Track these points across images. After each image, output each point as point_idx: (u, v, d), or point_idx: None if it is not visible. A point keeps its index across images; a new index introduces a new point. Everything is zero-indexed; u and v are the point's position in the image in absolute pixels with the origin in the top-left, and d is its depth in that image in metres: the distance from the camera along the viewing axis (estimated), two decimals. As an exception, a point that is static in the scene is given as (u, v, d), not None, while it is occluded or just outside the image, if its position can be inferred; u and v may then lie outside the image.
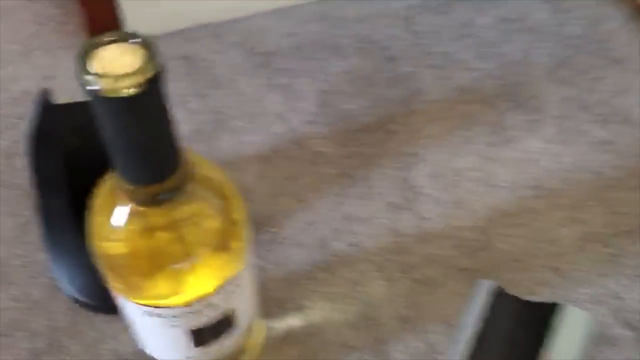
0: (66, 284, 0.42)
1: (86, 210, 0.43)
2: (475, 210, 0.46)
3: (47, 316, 0.42)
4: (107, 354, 0.40)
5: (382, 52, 0.55)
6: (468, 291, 0.42)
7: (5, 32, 0.55)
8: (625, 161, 0.48)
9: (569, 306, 0.36)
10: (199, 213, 0.28)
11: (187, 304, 0.30)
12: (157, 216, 0.27)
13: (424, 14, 0.57)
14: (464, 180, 0.47)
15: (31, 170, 0.42)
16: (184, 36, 0.55)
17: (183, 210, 0.27)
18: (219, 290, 0.30)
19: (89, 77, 0.22)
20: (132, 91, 0.22)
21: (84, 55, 0.22)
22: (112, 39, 0.23)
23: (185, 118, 0.50)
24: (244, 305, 0.33)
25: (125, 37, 0.23)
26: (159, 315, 0.30)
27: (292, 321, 0.42)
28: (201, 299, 0.30)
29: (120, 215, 0.28)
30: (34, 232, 0.44)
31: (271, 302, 0.42)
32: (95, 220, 0.29)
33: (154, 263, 0.29)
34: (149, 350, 0.35)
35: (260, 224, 0.45)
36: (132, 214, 0.28)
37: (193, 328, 0.31)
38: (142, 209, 0.27)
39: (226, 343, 0.34)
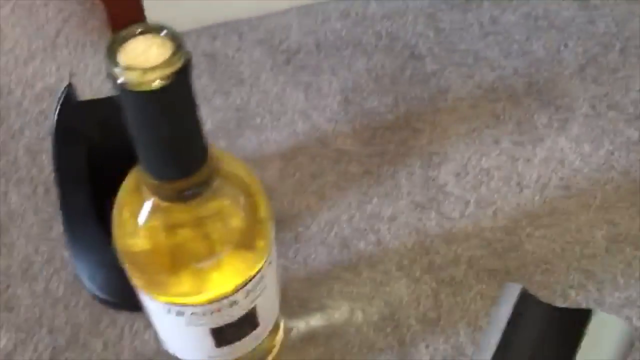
0: (87, 280, 0.42)
1: (108, 207, 0.43)
2: (502, 210, 0.45)
3: (69, 313, 0.42)
4: (128, 352, 0.40)
5: (407, 50, 0.54)
6: (495, 293, 0.41)
7: (29, 29, 0.55)
8: (657, 161, 0.47)
9: (602, 313, 0.35)
10: (224, 210, 0.28)
11: (210, 302, 0.29)
12: (181, 212, 0.27)
13: (448, 11, 0.56)
14: (490, 179, 0.46)
15: (54, 166, 0.42)
16: (207, 33, 0.55)
17: (208, 206, 0.27)
18: (242, 289, 0.30)
19: (116, 70, 0.22)
20: (159, 84, 0.22)
21: (112, 47, 0.22)
22: (140, 31, 0.22)
23: (208, 115, 0.50)
24: (266, 305, 0.33)
25: (153, 30, 0.22)
26: (181, 314, 0.30)
27: (314, 321, 0.41)
28: (224, 298, 0.29)
29: (145, 211, 0.27)
30: (57, 229, 0.44)
31: (293, 302, 0.41)
32: (119, 216, 0.29)
33: (178, 260, 0.28)
34: (171, 349, 0.35)
35: (283, 222, 0.44)
36: (157, 210, 0.27)
37: (215, 327, 0.31)
38: (166, 204, 0.27)
39: (248, 343, 0.34)
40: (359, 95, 0.51)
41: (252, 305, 0.31)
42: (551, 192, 0.45)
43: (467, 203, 0.45)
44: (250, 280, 0.29)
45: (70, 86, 0.42)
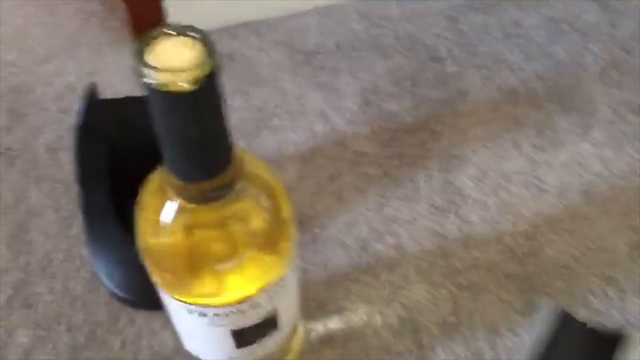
0: (106, 278, 0.42)
1: (128, 206, 0.43)
2: (522, 214, 0.44)
3: (88, 311, 0.42)
4: (146, 350, 0.40)
5: (427, 52, 0.54)
6: (514, 298, 0.41)
7: (50, 27, 0.55)
8: (681, 168, 0.46)
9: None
10: (248, 212, 0.28)
11: (232, 304, 0.29)
12: (205, 213, 0.27)
13: (469, 13, 0.56)
14: (510, 183, 0.46)
15: (75, 164, 0.42)
16: (227, 33, 0.55)
17: (232, 208, 0.27)
18: (264, 290, 0.29)
19: (146, 70, 0.22)
20: (188, 86, 0.22)
21: (142, 47, 0.22)
22: (170, 32, 0.22)
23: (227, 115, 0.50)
24: (287, 307, 0.33)
25: (184, 31, 0.22)
26: (202, 314, 0.30)
27: (332, 323, 0.41)
28: (246, 299, 0.29)
29: (168, 211, 0.27)
30: (76, 227, 0.44)
31: (311, 304, 0.41)
32: (142, 215, 0.29)
33: (200, 261, 0.28)
34: (191, 349, 0.35)
35: (301, 223, 0.44)
36: (180, 211, 0.27)
37: (236, 328, 0.31)
38: (190, 205, 0.27)
39: (268, 344, 0.34)
40: (378, 97, 0.51)
41: (274, 307, 0.31)
42: (572, 197, 0.45)
43: (486, 207, 0.45)
44: (272, 282, 0.29)
45: (93, 85, 0.43)
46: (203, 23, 0.56)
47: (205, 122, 0.24)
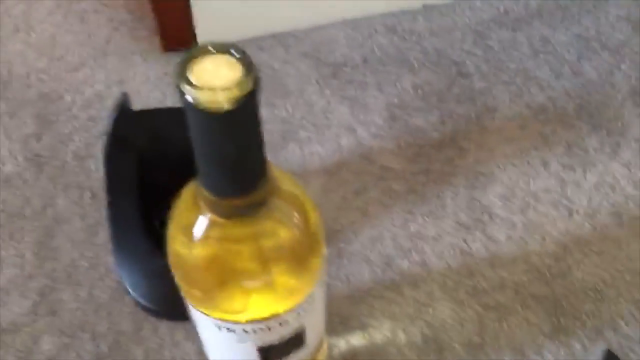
0: (130, 287, 0.42)
1: (155, 216, 0.43)
2: (549, 235, 0.44)
3: (112, 319, 0.42)
4: (168, 361, 0.40)
5: (454, 67, 0.53)
6: (541, 321, 0.40)
7: (80, 36, 0.56)
8: None
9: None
10: (279, 229, 0.27)
11: (260, 321, 0.29)
12: (237, 229, 0.27)
13: (497, 29, 0.56)
14: (538, 203, 0.45)
15: (105, 173, 0.43)
16: (254, 45, 0.55)
17: (264, 225, 0.27)
18: (293, 307, 0.29)
19: (186, 87, 0.22)
20: (228, 105, 0.22)
21: (184, 64, 0.22)
22: (211, 50, 0.22)
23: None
24: (314, 323, 0.33)
25: (224, 50, 0.22)
26: (230, 330, 0.30)
27: (355, 340, 0.41)
28: (275, 316, 0.29)
29: (200, 225, 0.27)
30: (103, 235, 0.45)
31: (335, 319, 0.41)
32: (174, 228, 0.29)
33: (230, 277, 0.28)
34: (215, 362, 0.35)
35: (327, 238, 0.44)
36: (212, 226, 0.27)
37: (263, 345, 0.31)
38: (222, 220, 0.27)
39: (293, 360, 0.33)
40: (405, 112, 0.51)
41: (301, 324, 0.31)
42: (602, 219, 0.44)
43: (514, 226, 0.44)
44: (301, 300, 0.29)
45: (125, 95, 0.43)
46: (230, 33, 0.57)
47: (242, 140, 0.24)
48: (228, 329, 0.30)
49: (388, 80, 0.53)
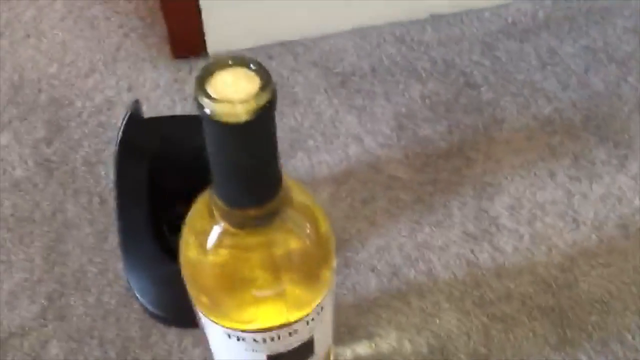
0: (139, 294, 0.42)
1: (164, 223, 0.43)
2: (556, 246, 0.44)
3: (120, 325, 0.42)
4: (176, 367, 0.40)
5: (462, 78, 0.54)
6: (547, 332, 0.40)
7: (91, 42, 0.56)
8: None
9: None
10: (292, 239, 0.28)
11: (271, 330, 0.29)
12: (250, 239, 0.27)
13: (505, 40, 0.56)
14: (545, 214, 0.46)
15: (115, 179, 0.43)
16: (263, 52, 0.55)
17: (277, 235, 0.27)
18: (304, 317, 0.30)
19: (205, 100, 0.22)
20: (245, 117, 0.22)
21: (202, 77, 0.22)
22: (230, 63, 0.23)
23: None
24: (323, 333, 0.33)
25: (242, 63, 0.23)
26: (240, 339, 0.30)
27: (361, 349, 0.41)
28: (285, 326, 0.29)
29: (213, 234, 0.28)
30: (112, 240, 0.45)
31: (341, 328, 0.41)
32: (187, 235, 0.29)
33: (242, 286, 0.28)
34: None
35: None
36: (225, 234, 0.27)
37: (272, 353, 0.31)
38: (236, 230, 0.27)
39: (301, 369, 0.33)
40: (413, 122, 0.51)
41: (311, 334, 0.31)
42: (608, 231, 0.44)
43: (520, 237, 0.45)
44: (312, 310, 0.29)
45: (137, 103, 0.43)
46: (240, 41, 0.57)
47: (258, 152, 0.24)
48: (238, 337, 0.30)
49: (396, 90, 0.53)
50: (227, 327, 0.30)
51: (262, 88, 0.22)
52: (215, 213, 0.27)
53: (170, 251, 0.42)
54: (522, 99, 0.52)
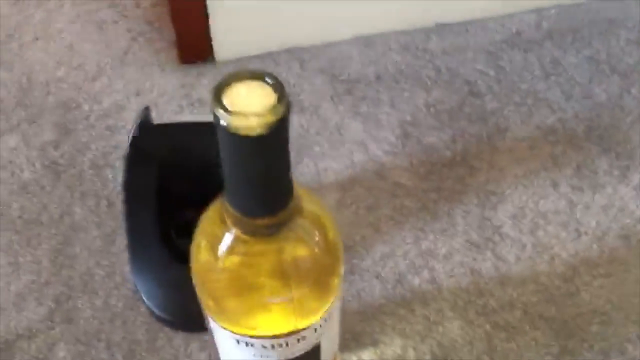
0: (146, 297, 0.43)
1: (171, 227, 0.44)
2: (559, 256, 0.45)
3: (126, 328, 0.42)
4: (181, 371, 0.41)
5: (466, 87, 0.54)
6: (550, 341, 0.41)
7: (99, 45, 0.57)
8: None
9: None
10: (302, 248, 0.28)
11: (279, 336, 0.30)
12: (261, 247, 0.28)
13: (510, 50, 0.56)
14: (548, 224, 0.46)
15: (124, 184, 0.44)
16: (270, 59, 0.56)
17: (287, 243, 0.28)
18: (312, 324, 0.30)
19: (221, 112, 0.22)
20: (260, 130, 0.22)
21: (219, 89, 0.23)
22: (245, 76, 0.23)
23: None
24: (330, 339, 0.33)
25: (257, 76, 0.23)
26: (249, 344, 0.30)
27: (366, 356, 0.41)
28: (294, 333, 0.30)
29: (225, 240, 0.28)
30: (119, 243, 0.45)
31: (346, 335, 0.41)
32: (199, 241, 0.30)
33: (252, 293, 0.29)
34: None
35: (339, 253, 0.45)
36: (236, 241, 0.28)
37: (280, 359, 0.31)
38: (247, 237, 0.27)
39: (307, 375, 0.34)
40: (417, 130, 0.52)
41: (318, 341, 0.31)
42: (610, 241, 0.45)
43: (523, 246, 0.45)
44: (320, 317, 0.30)
45: (147, 109, 0.44)
46: (247, 48, 0.58)
47: (272, 163, 0.24)
48: (247, 343, 0.30)
49: (401, 98, 0.54)
50: (236, 333, 0.30)
51: (278, 102, 0.23)
52: (227, 220, 0.27)
53: (177, 255, 0.42)
54: (526, 109, 0.52)
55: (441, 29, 0.57)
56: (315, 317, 0.30)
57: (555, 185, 0.48)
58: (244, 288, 0.29)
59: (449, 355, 0.41)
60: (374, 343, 0.41)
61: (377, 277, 0.44)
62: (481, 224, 0.46)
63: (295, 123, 0.52)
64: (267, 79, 0.23)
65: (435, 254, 0.45)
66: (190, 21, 0.54)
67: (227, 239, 0.28)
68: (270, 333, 0.30)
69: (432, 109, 0.53)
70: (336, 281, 0.30)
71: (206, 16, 0.53)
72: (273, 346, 0.30)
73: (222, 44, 0.55)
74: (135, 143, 0.42)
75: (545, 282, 0.43)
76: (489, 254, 0.45)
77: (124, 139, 0.49)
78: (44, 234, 0.46)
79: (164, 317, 0.42)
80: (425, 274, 0.44)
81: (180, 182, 0.42)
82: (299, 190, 0.28)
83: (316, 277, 0.29)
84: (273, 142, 0.23)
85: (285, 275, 0.28)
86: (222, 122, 0.23)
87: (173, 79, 0.54)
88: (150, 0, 0.59)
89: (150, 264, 0.43)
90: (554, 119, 0.52)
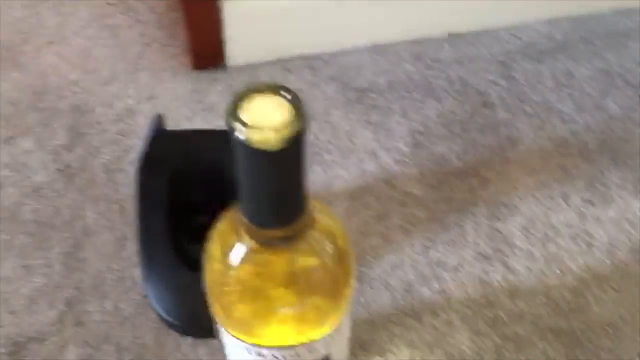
0: (155, 302, 0.43)
1: (182, 232, 0.44)
2: (569, 268, 0.44)
3: (136, 333, 0.43)
4: (190, 377, 0.41)
5: (478, 97, 0.54)
6: (558, 354, 0.41)
7: (113, 50, 0.57)
8: None
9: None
10: (315, 259, 0.28)
11: (291, 347, 0.30)
12: (274, 258, 0.28)
13: (522, 60, 0.56)
14: (558, 236, 0.46)
15: (136, 190, 0.44)
16: (282, 66, 0.56)
17: (300, 255, 0.28)
18: (323, 335, 0.30)
19: (238, 126, 0.23)
20: (277, 144, 0.22)
21: (236, 102, 0.23)
22: (265, 90, 0.23)
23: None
24: (340, 349, 0.33)
25: (276, 91, 0.23)
26: (260, 354, 0.31)
27: (374, 365, 0.41)
28: (305, 343, 0.30)
29: (238, 251, 0.28)
30: (130, 248, 0.46)
31: (354, 344, 0.42)
32: (212, 250, 0.30)
33: (264, 303, 0.29)
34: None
35: (348, 262, 0.45)
36: (249, 252, 0.28)
37: (290, 369, 0.31)
38: (259, 247, 0.28)
39: (316, 385, 0.34)
40: (428, 139, 0.52)
41: (328, 351, 0.31)
42: (621, 255, 0.45)
43: (533, 258, 0.45)
44: (331, 328, 0.30)
45: (160, 116, 0.44)
46: (260, 54, 0.58)
47: (287, 177, 0.24)
48: (258, 353, 0.30)
49: (413, 107, 0.54)
50: (247, 342, 0.30)
51: (295, 116, 0.23)
52: (241, 230, 0.28)
53: (188, 261, 0.42)
54: (538, 120, 0.52)
55: (453, 38, 0.58)
56: (327, 328, 0.30)
57: (566, 197, 0.48)
58: (257, 298, 0.29)
59: (458, 367, 0.41)
60: (382, 353, 0.41)
61: (385, 287, 0.44)
62: (491, 235, 0.46)
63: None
64: (285, 93, 0.23)
65: (445, 265, 0.45)
66: (203, 27, 0.55)
67: (240, 249, 0.28)
68: (282, 343, 0.30)
69: (443, 119, 0.53)
70: (347, 292, 0.30)
71: (220, 23, 0.54)
72: (284, 357, 0.30)
73: (234, 50, 0.56)
74: (148, 150, 0.43)
75: (555, 294, 0.43)
76: (499, 265, 0.45)
77: (136, 144, 0.50)
78: (56, 237, 0.47)
79: (173, 322, 0.42)
80: (435, 284, 0.44)
81: (192, 188, 0.42)
82: (312, 201, 0.28)
83: (328, 289, 0.29)
84: (289, 157, 0.24)
85: (298, 286, 0.29)
86: (239, 135, 0.23)
87: (185, 84, 0.55)
88: (164, 6, 0.59)
89: (161, 269, 0.43)
90: (566, 130, 0.52)
